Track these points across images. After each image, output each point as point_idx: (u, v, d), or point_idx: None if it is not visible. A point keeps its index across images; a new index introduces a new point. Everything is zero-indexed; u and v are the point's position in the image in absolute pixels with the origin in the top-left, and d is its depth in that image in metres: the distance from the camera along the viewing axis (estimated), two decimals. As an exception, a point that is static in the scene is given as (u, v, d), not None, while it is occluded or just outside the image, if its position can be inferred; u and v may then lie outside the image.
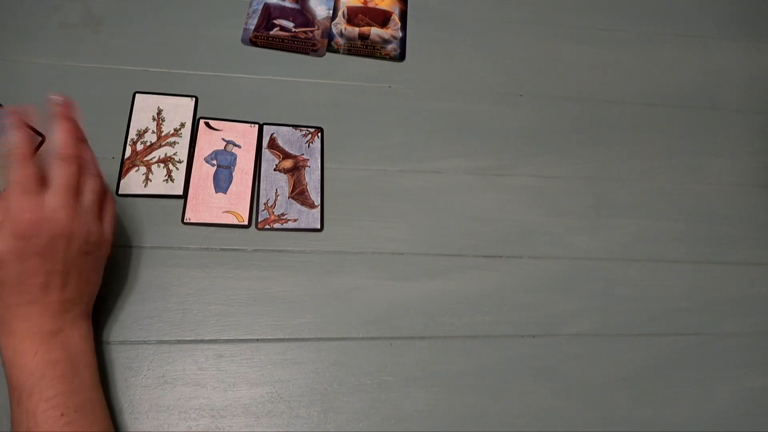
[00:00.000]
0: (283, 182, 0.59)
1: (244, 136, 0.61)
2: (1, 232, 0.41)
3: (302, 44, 0.68)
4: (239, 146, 0.60)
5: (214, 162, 0.59)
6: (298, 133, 0.62)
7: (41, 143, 0.46)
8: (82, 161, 0.45)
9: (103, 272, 0.48)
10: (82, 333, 0.45)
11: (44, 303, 0.43)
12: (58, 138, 0.44)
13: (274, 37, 0.68)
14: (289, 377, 0.51)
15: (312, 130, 0.63)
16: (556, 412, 0.53)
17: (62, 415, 0.40)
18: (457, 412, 0.51)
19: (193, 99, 0.62)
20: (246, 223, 0.57)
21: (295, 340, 0.53)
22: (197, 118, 0.61)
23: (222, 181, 0.58)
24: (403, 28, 0.72)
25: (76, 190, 0.44)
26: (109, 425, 0.44)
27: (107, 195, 0.48)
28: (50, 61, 0.62)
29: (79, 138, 0.46)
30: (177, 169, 0.58)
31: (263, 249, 0.56)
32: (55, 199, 0.42)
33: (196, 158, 0.59)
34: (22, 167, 0.42)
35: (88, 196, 0.45)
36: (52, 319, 0.43)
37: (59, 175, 0.43)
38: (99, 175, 0.47)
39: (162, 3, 0.68)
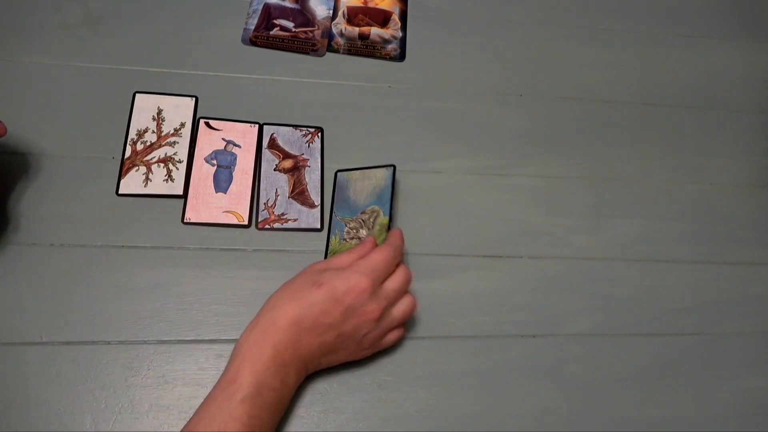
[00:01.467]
0: (283, 182, 0.59)
1: (244, 136, 0.61)
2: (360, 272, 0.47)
3: (302, 44, 0.68)
4: (239, 146, 0.60)
5: (214, 162, 0.59)
6: (298, 133, 0.62)
7: None
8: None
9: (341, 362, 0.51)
10: (298, 382, 0.48)
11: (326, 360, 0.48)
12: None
13: (274, 37, 0.68)
14: (194, 414, 0.51)
15: (312, 130, 0.63)
16: (556, 412, 0.53)
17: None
18: (457, 412, 0.51)
19: (193, 99, 0.62)
20: (246, 223, 0.57)
21: (295, 340, 0.52)
22: (197, 118, 0.61)
23: (222, 181, 0.58)
24: (403, 28, 0.72)
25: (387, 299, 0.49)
26: None
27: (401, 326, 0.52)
28: (50, 61, 0.62)
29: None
30: (177, 169, 0.58)
31: (263, 249, 0.56)
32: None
33: (196, 158, 0.59)
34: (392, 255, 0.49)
35: (399, 313, 0.50)
36: (300, 366, 0.47)
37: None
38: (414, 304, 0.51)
39: (162, 3, 0.68)
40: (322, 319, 0.46)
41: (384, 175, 0.59)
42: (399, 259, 0.51)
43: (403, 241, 0.52)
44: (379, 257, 0.48)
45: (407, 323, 0.53)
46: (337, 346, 0.47)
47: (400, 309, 0.50)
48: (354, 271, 0.47)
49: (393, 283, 0.49)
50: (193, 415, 0.43)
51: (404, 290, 0.50)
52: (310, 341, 0.46)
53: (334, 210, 0.58)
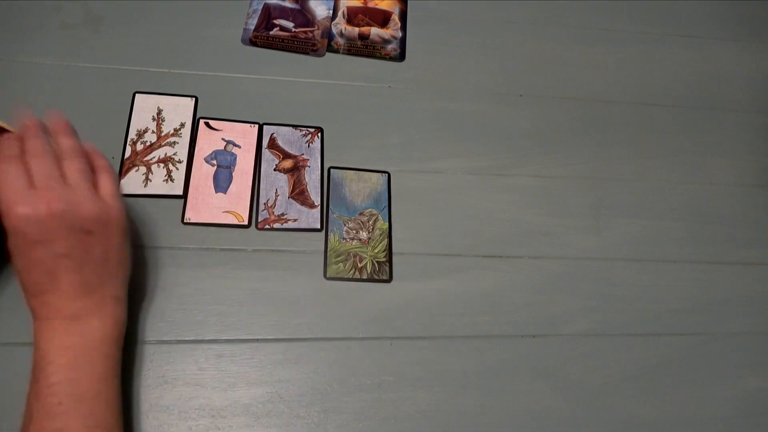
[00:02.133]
0: (283, 182, 0.59)
1: (244, 136, 0.61)
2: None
3: (302, 44, 0.68)
4: (239, 146, 0.60)
5: (214, 162, 0.59)
6: (298, 133, 0.62)
7: None
8: (42, 138, 0.44)
9: (126, 253, 0.47)
10: (106, 321, 0.44)
11: (58, 289, 0.43)
12: None
13: (274, 37, 0.68)
14: (289, 377, 0.51)
15: (312, 130, 0.63)
16: (556, 412, 0.53)
17: (59, 403, 0.40)
18: (457, 412, 0.51)
19: (193, 99, 0.62)
20: (246, 223, 0.57)
21: (295, 340, 0.53)
22: (197, 118, 0.61)
23: (222, 181, 0.58)
24: (403, 28, 0.72)
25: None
26: (113, 420, 0.43)
27: (101, 169, 0.46)
28: (50, 61, 0.62)
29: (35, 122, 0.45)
30: (177, 169, 0.58)
31: (263, 249, 0.56)
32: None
33: (196, 158, 0.59)
34: None
35: (73, 174, 0.43)
36: (70, 303, 0.43)
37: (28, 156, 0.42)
38: (81, 152, 0.45)
39: (162, 3, 0.68)
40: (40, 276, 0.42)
41: (379, 179, 0.59)
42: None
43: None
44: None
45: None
46: (58, 251, 0.42)
47: (72, 172, 0.44)
48: None
49: (38, 167, 0.43)
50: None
51: (46, 158, 0.43)
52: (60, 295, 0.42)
53: (331, 207, 0.58)
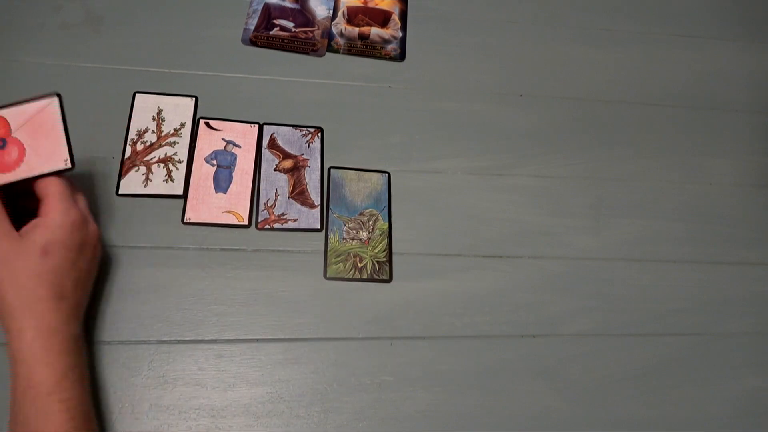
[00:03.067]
0: (283, 182, 0.59)
1: (244, 136, 0.61)
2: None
3: (302, 44, 0.68)
4: (239, 146, 0.60)
5: (214, 162, 0.59)
6: (298, 133, 0.62)
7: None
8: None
9: (95, 275, 0.49)
10: (84, 340, 0.46)
11: (62, 306, 0.44)
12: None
13: (274, 37, 0.68)
14: (289, 377, 0.51)
15: (312, 130, 0.63)
16: (556, 412, 0.53)
17: (72, 418, 0.41)
18: (457, 412, 0.51)
19: (193, 99, 0.62)
20: (246, 223, 0.57)
21: (295, 340, 0.53)
22: (197, 118, 0.61)
23: (222, 181, 0.58)
24: (403, 28, 0.72)
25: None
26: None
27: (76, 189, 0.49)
28: (50, 61, 0.62)
29: None
30: (177, 169, 0.58)
31: (263, 249, 0.56)
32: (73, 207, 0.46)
33: (196, 158, 0.59)
34: None
35: (79, 198, 0.47)
36: (75, 321, 0.45)
37: (54, 183, 0.46)
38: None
39: (162, 3, 0.68)
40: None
41: (379, 180, 0.59)
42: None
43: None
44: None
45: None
46: (69, 268, 0.45)
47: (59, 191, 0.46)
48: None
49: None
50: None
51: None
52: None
53: (331, 207, 0.58)
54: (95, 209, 0.55)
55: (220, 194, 0.57)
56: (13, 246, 0.43)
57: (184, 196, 0.57)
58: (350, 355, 0.53)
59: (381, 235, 0.58)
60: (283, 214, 0.58)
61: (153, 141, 0.59)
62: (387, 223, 0.59)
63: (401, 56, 0.70)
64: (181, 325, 0.51)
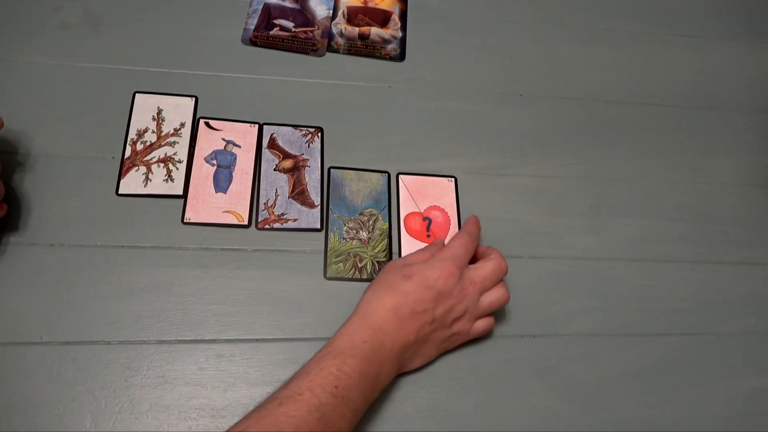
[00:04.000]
0: (283, 182, 0.59)
1: (244, 136, 0.61)
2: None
3: (302, 44, 0.68)
4: (239, 146, 0.60)
5: (214, 162, 0.59)
6: (298, 133, 0.62)
7: None
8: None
9: (433, 358, 0.52)
10: (392, 376, 0.49)
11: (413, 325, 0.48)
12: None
13: (274, 37, 0.68)
14: (289, 377, 0.51)
15: (312, 130, 0.63)
16: (556, 412, 0.53)
17: (336, 387, 0.42)
18: (457, 412, 0.51)
19: (193, 99, 0.62)
20: (246, 223, 0.57)
21: (295, 340, 0.52)
22: (197, 117, 0.61)
23: (222, 181, 0.58)
24: (403, 28, 0.72)
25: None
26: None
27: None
28: (50, 61, 0.62)
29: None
30: (177, 169, 0.58)
31: (263, 249, 0.56)
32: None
33: (196, 158, 0.59)
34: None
35: (486, 301, 0.52)
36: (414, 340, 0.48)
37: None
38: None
39: (162, 3, 0.68)
40: (417, 306, 0.48)
41: (379, 180, 0.59)
42: (477, 241, 0.54)
43: (479, 227, 0.55)
44: (458, 243, 0.52)
45: (499, 318, 0.55)
46: (431, 333, 0.49)
47: (489, 297, 0.51)
48: (438, 259, 0.50)
49: (481, 270, 0.51)
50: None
51: (495, 279, 0.52)
52: (408, 328, 0.47)
53: (331, 207, 0.58)
54: (95, 209, 0.55)
55: (220, 194, 0.57)
56: None
57: (184, 196, 0.57)
58: (350, 355, 0.52)
59: (381, 235, 0.58)
60: (283, 214, 0.58)
61: (153, 141, 0.59)
62: (387, 223, 0.59)
63: (401, 56, 0.70)
64: (180, 325, 0.51)
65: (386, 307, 0.47)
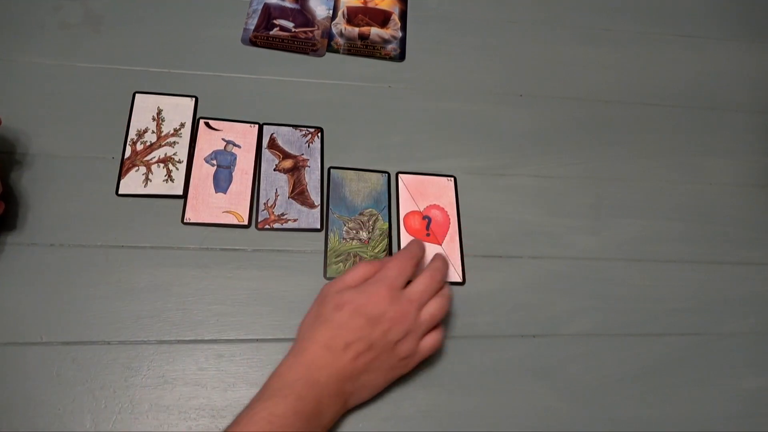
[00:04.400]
0: (283, 182, 0.59)
1: (244, 136, 0.61)
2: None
3: (302, 44, 0.68)
4: (239, 146, 0.60)
5: (214, 162, 0.59)
6: (298, 133, 0.62)
7: None
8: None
9: (383, 387, 0.50)
10: (337, 413, 0.47)
11: (342, 361, 0.46)
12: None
13: (274, 37, 0.68)
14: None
15: (312, 130, 0.63)
16: (556, 412, 0.53)
17: None
18: (457, 412, 0.51)
19: (193, 99, 0.62)
20: (246, 223, 0.57)
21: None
22: (197, 118, 0.61)
23: (222, 181, 0.58)
24: (403, 28, 0.72)
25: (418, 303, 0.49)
26: None
27: (440, 325, 0.51)
28: (50, 61, 0.62)
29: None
30: (177, 169, 0.58)
31: (263, 249, 0.56)
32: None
33: (196, 158, 0.59)
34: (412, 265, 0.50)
35: (426, 314, 0.49)
36: (349, 376, 0.46)
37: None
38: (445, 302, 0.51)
39: (162, 3, 0.68)
40: (350, 336, 0.46)
41: (379, 180, 0.59)
42: (415, 261, 0.51)
43: (422, 248, 0.53)
44: (392, 264, 0.50)
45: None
46: (372, 361, 0.47)
47: (428, 309, 0.49)
48: (370, 283, 0.48)
49: (416, 285, 0.49)
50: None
51: (431, 291, 0.50)
52: (343, 360, 0.46)
53: (331, 207, 0.58)
54: (95, 209, 0.55)
55: (220, 194, 0.57)
56: None
57: (184, 196, 0.57)
58: (350, 355, 0.52)
59: (381, 235, 0.58)
60: (283, 214, 0.58)
61: (153, 141, 0.59)
62: (387, 223, 0.59)
63: (401, 56, 0.70)
64: (180, 325, 0.51)
65: (318, 343, 0.46)
